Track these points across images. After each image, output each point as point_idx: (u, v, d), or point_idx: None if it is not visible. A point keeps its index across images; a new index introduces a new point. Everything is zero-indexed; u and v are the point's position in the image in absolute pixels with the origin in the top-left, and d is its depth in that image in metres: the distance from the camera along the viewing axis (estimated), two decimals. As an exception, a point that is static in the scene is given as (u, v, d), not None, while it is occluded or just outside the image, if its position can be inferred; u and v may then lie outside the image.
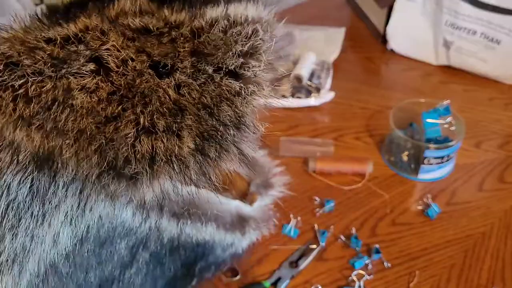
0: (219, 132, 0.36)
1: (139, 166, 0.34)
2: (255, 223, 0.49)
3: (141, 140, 0.34)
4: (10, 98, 0.34)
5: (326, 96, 0.90)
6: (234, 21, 0.38)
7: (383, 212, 0.70)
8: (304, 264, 0.62)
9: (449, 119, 0.73)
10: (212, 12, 0.38)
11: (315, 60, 0.95)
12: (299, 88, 0.89)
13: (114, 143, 0.34)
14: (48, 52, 0.35)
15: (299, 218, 0.68)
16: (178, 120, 0.35)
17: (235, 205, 0.44)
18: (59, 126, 0.34)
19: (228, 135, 0.37)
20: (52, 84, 0.34)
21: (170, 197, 0.37)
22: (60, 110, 0.34)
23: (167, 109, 0.35)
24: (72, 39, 0.36)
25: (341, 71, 0.98)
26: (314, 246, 0.64)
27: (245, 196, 0.51)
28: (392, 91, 0.95)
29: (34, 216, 0.35)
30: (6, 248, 0.35)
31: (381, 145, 0.80)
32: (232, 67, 0.37)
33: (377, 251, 0.63)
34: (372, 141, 0.82)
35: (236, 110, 0.37)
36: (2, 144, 0.34)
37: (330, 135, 0.83)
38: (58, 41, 0.36)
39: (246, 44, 0.38)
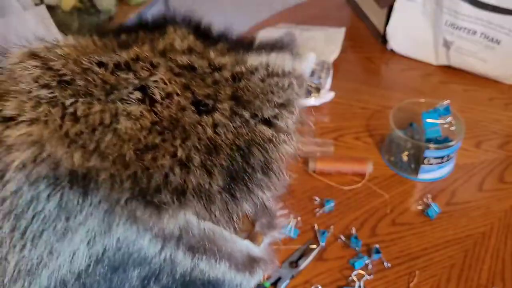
0: (247, 175, 0.38)
1: (168, 196, 0.36)
2: (263, 264, 0.49)
3: (175, 172, 0.36)
4: (59, 115, 0.35)
5: (326, 96, 0.90)
6: (272, 71, 0.40)
7: (383, 212, 0.70)
8: (304, 264, 0.62)
9: (449, 119, 0.73)
10: (253, 60, 0.40)
11: (315, 60, 0.95)
12: (299, 88, 0.89)
13: (149, 171, 0.35)
14: (100, 76, 0.37)
15: (299, 218, 0.68)
16: (212, 158, 0.37)
17: (245, 245, 0.44)
18: (101, 148, 0.35)
19: (256, 178, 0.38)
20: (101, 107, 0.36)
21: (190, 230, 0.38)
22: (104, 133, 0.35)
23: (204, 146, 0.37)
24: (123, 66, 0.38)
25: (341, 71, 0.98)
26: (314, 246, 0.64)
27: (249, 236, 0.52)
28: (392, 91, 0.95)
29: (57, 231, 0.35)
30: (23, 258, 0.35)
31: (381, 145, 0.80)
32: (267, 116, 0.39)
33: (377, 251, 0.63)
34: (372, 141, 0.82)
35: (266, 156, 0.39)
36: (42, 156, 0.34)
37: (330, 135, 0.83)
38: (110, 66, 0.38)
39: (281, 96, 0.40)
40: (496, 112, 0.88)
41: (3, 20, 1.62)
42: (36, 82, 0.37)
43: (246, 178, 0.38)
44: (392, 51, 1.04)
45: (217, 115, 0.37)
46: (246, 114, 0.38)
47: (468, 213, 0.70)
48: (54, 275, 0.36)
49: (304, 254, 0.63)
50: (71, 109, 0.36)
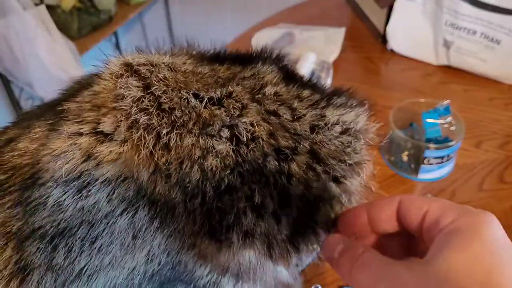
0: (310, 229, 0.38)
1: (234, 236, 0.36)
2: None
3: (247, 215, 0.36)
4: (152, 143, 0.35)
5: (326, 96, 0.90)
6: (346, 130, 0.40)
7: (383, 212, 0.70)
8: (304, 264, 0.62)
9: (449, 119, 0.73)
10: (331, 116, 0.40)
11: (315, 60, 0.95)
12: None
13: (224, 211, 0.35)
14: (196, 110, 0.37)
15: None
16: (283, 207, 0.37)
17: (278, 271, 0.44)
18: (185, 182, 0.35)
19: (316, 233, 0.39)
20: (193, 141, 0.36)
21: (242, 262, 0.38)
22: (191, 166, 0.35)
23: (277, 194, 0.36)
24: (215, 101, 0.38)
25: (341, 71, 0.98)
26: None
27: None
28: (392, 91, 0.95)
29: (123, 247, 0.35)
30: (87, 263, 0.35)
31: (381, 145, 0.80)
32: (337, 174, 0.39)
33: (377, 251, 0.63)
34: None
35: (329, 212, 0.39)
36: (127, 178, 0.35)
37: (330, 135, 0.83)
38: (205, 100, 0.37)
39: (353, 157, 0.40)
40: (496, 112, 0.88)
41: (3, 20, 1.61)
42: (136, 104, 0.37)
43: (309, 231, 0.38)
44: (392, 51, 1.04)
45: (293, 166, 0.37)
46: (319, 170, 0.38)
47: (468, 213, 0.70)
48: (108, 284, 0.37)
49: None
50: (165, 139, 0.36)
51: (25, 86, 1.75)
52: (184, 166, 0.35)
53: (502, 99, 0.91)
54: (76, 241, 0.35)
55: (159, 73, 0.39)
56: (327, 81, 0.92)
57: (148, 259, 0.36)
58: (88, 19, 1.93)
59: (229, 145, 0.36)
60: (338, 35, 1.06)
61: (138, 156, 0.35)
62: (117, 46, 2.48)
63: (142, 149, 0.35)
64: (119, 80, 0.39)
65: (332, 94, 0.44)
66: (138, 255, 0.36)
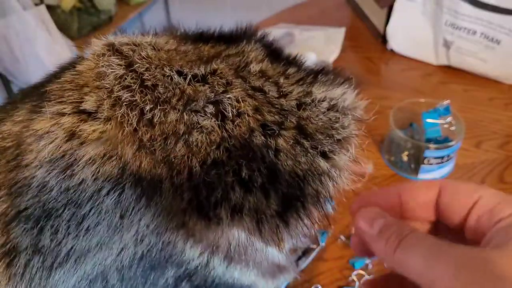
0: (300, 203, 0.38)
1: (223, 212, 0.36)
2: (286, 272, 0.50)
3: (236, 190, 0.36)
4: (136, 119, 0.36)
5: (326, 96, 0.90)
6: (333, 106, 0.40)
7: (383, 212, 0.70)
8: (304, 264, 0.62)
9: (449, 119, 0.73)
10: (318, 93, 0.41)
11: (315, 60, 0.95)
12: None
13: (211, 186, 0.35)
14: (180, 86, 0.37)
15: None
16: (271, 181, 0.37)
17: (272, 254, 0.44)
18: (170, 157, 0.35)
19: (306, 208, 0.39)
20: (177, 116, 0.36)
21: (233, 242, 0.38)
22: (176, 142, 0.35)
23: (265, 169, 0.37)
24: (200, 78, 0.38)
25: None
26: (314, 246, 0.64)
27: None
28: (392, 91, 0.95)
29: (110, 227, 0.35)
30: (75, 245, 0.35)
31: (381, 145, 0.80)
32: (325, 149, 0.39)
33: (377, 251, 0.63)
34: (372, 141, 0.82)
35: (319, 187, 0.39)
36: (111, 156, 0.35)
37: (330, 135, 0.83)
38: (188, 77, 0.38)
39: (341, 133, 0.40)
40: (496, 112, 0.88)
41: (3, 20, 1.61)
42: (119, 82, 0.37)
43: (299, 206, 0.38)
44: (392, 51, 1.04)
45: (280, 141, 0.38)
46: (307, 145, 0.38)
47: (468, 213, 0.70)
48: (98, 265, 0.36)
49: (304, 254, 0.63)
50: (148, 115, 0.36)
51: (25, 86, 1.75)
52: (168, 142, 0.35)
53: (502, 99, 0.91)
54: (62, 222, 0.35)
55: (142, 51, 0.39)
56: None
57: (136, 239, 0.36)
58: (88, 19, 1.93)
59: (215, 120, 0.36)
60: (338, 35, 1.06)
61: (122, 133, 0.35)
62: (117, 46, 2.48)
63: (125, 126, 0.35)
64: (101, 59, 0.39)
65: (319, 71, 0.44)
66: (126, 236, 0.36)
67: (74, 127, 0.36)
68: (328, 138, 0.39)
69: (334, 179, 0.40)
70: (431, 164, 0.72)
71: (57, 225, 0.35)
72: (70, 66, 0.40)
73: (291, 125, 0.38)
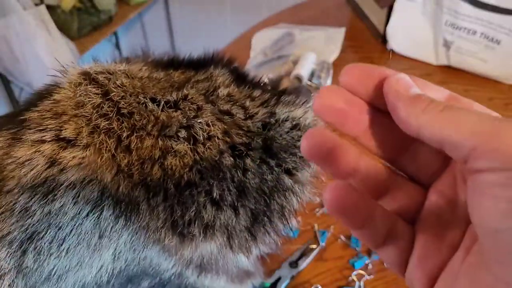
0: (266, 218, 0.41)
1: (196, 230, 0.38)
2: (253, 277, 0.53)
3: (207, 209, 0.38)
4: (114, 146, 0.38)
5: (326, 96, 0.90)
6: (296, 125, 0.43)
7: (383, 212, 0.70)
8: (304, 264, 0.62)
9: (449, 119, 0.73)
10: (281, 114, 0.43)
11: (315, 60, 0.95)
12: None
13: (185, 205, 0.38)
14: (154, 113, 0.39)
15: (299, 218, 0.68)
16: (240, 199, 0.39)
17: (240, 260, 0.46)
18: (147, 181, 0.37)
19: (272, 222, 0.42)
20: (152, 142, 0.38)
21: (204, 254, 0.41)
22: (152, 166, 0.38)
23: (235, 188, 0.39)
24: (172, 104, 0.41)
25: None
26: (314, 246, 0.64)
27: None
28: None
29: (90, 247, 0.37)
30: (56, 265, 0.37)
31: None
32: (289, 166, 0.42)
33: (377, 251, 0.63)
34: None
35: (284, 203, 0.42)
36: (91, 181, 0.37)
37: (330, 135, 0.83)
38: (161, 104, 0.40)
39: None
40: (496, 112, 0.88)
41: (3, 20, 1.61)
42: (96, 111, 0.39)
43: (265, 221, 0.41)
44: (392, 51, 1.04)
45: (248, 161, 0.40)
46: (272, 163, 0.41)
47: (468, 213, 0.69)
48: (78, 282, 0.38)
49: (304, 254, 0.64)
50: (125, 142, 0.38)
51: (25, 86, 1.75)
52: (145, 166, 0.37)
53: (502, 99, 0.91)
54: (44, 244, 0.36)
55: (117, 80, 0.41)
56: (327, 81, 0.92)
57: (115, 257, 0.38)
58: (88, 19, 1.93)
59: (187, 144, 0.39)
60: (338, 35, 1.06)
61: (100, 159, 0.37)
62: (117, 46, 2.48)
63: (104, 152, 0.37)
64: (78, 88, 0.41)
65: (281, 93, 0.47)
66: (106, 254, 0.37)
67: (54, 154, 0.37)
68: (291, 156, 0.42)
69: (298, 194, 0.42)
70: (431, 164, 0.72)
71: (40, 247, 0.36)
72: (47, 94, 0.42)
73: (258, 146, 0.41)
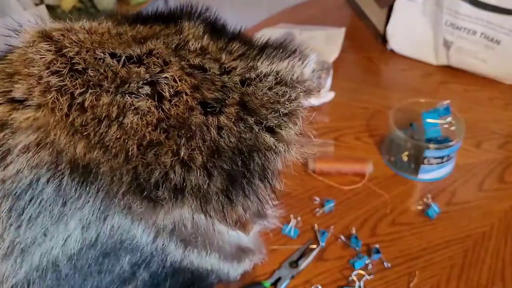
0: (245, 180, 0.38)
1: (165, 193, 0.36)
2: (252, 254, 0.50)
3: (176, 170, 0.36)
4: (66, 104, 0.35)
5: (326, 96, 0.90)
6: (281, 80, 0.40)
7: (383, 212, 0.70)
8: (304, 264, 0.62)
9: (449, 119, 0.73)
10: (264, 66, 0.40)
11: (315, 60, 0.94)
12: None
13: (150, 167, 0.35)
14: (112, 68, 0.37)
15: (299, 218, 0.68)
16: (214, 160, 0.37)
17: (235, 235, 0.44)
18: (105, 141, 0.35)
19: (253, 184, 0.38)
20: (109, 99, 0.36)
21: (184, 224, 0.39)
22: (110, 125, 0.35)
23: (207, 147, 0.36)
24: (135, 59, 0.38)
25: (341, 71, 0.98)
26: (314, 246, 0.64)
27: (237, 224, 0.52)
28: (392, 91, 0.95)
29: (53, 215, 0.35)
30: (18, 236, 0.35)
31: (381, 145, 0.80)
32: (271, 124, 0.38)
33: (377, 251, 0.63)
34: (372, 141, 0.82)
35: (266, 163, 0.39)
36: (45, 142, 0.35)
37: (330, 135, 0.83)
38: (122, 59, 0.37)
39: (287, 106, 0.39)
40: (496, 112, 0.88)
41: (3, 20, 1.62)
42: (48, 68, 0.37)
43: (244, 183, 0.38)
44: (392, 51, 1.04)
45: (222, 118, 0.37)
46: (251, 121, 0.38)
47: (468, 213, 0.70)
48: (46, 255, 0.37)
49: (304, 254, 0.63)
50: (79, 99, 0.35)
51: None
52: (102, 125, 0.35)
53: (502, 99, 0.91)
54: (2, 213, 0.35)
55: (73, 36, 0.39)
56: (327, 81, 0.91)
57: (82, 226, 0.36)
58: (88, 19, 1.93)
59: (151, 101, 0.36)
60: (338, 35, 1.06)
61: (54, 119, 0.35)
62: (117, 46, 2.48)
63: (57, 112, 0.35)
64: (30, 46, 0.38)
65: (264, 45, 0.43)
66: (71, 223, 0.36)
67: (5, 116, 0.35)
68: (273, 112, 0.39)
69: (281, 153, 0.39)
70: (431, 164, 0.72)
71: None
72: (3, 56, 0.40)
73: (234, 102, 0.38)
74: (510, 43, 0.89)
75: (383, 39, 1.05)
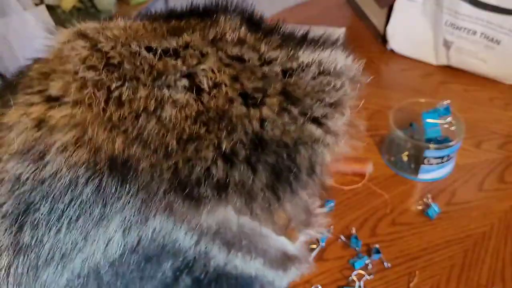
0: (292, 175, 0.36)
1: (208, 190, 0.34)
2: (298, 262, 0.47)
3: (218, 165, 0.34)
4: (104, 98, 0.34)
5: (326, 96, 0.90)
6: (325, 70, 0.38)
7: (383, 212, 0.70)
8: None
9: (449, 119, 0.73)
10: (305, 56, 0.38)
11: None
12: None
13: (191, 162, 0.34)
14: (148, 61, 0.36)
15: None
16: (257, 154, 0.35)
17: (281, 241, 0.42)
18: (143, 135, 0.34)
19: (300, 180, 0.36)
20: (147, 92, 0.35)
21: (228, 225, 0.37)
22: (148, 119, 0.34)
23: (249, 140, 0.35)
24: (171, 52, 0.37)
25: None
26: (314, 246, 0.64)
27: (284, 231, 0.48)
28: (392, 91, 0.95)
29: (93, 217, 0.34)
30: (58, 241, 0.34)
31: (381, 145, 0.80)
32: (317, 115, 0.36)
33: (377, 251, 0.63)
34: (372, 141, 0.82)
35: (312, 156, 0.37)
36: (83, 140, 0.34)
37: (330, 135, 0.83)
38: (158, 52, 0.36)
39: (333, 96, 0.38)
40: (496, 112, 0.88)
41: (3, 20, 1.61)
42: (83, 63, 0.36)
43: (291, 178, 0.36)
44: (392, 51, 1.04)
45: (265, 110, 0.35)
46: (295, 111, 0.36)
47: (468, 213, 0.70)
48: (87, 261, 0.35)
49: (304, 254, 0.63)
50: (116, 93, 0.34)
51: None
52: (141, 120, 0.34)
53: (502, 99, 0.91)
54: (41, 217, 0.33)
55: (108, 32, 0.38)
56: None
57: (124, 230, 0.35)
58: (88, 19, 1.93)
59: (189, 94, 0.35)
60: (338, 35, 1.06)
61: (91, 115, 0.34)
62: (117, 46, 2.48)
63: (94, 107, 0.34)
64: (66, 45, 0.38)
65: (304, 36, 0.42)
66: (112, 225, 0.34)
67: (42, 114, 0.35)
68: (319, 102, 0.37)
69: (330, 146, 0.37)
70: (431, 164, 0.72)
71: (36, 221, 0.33)
72: (39, 58, 0.40)
73: (276, 92, 0.36)
74: (510, 43, 0.89)
75: (383, 39, 1.05)
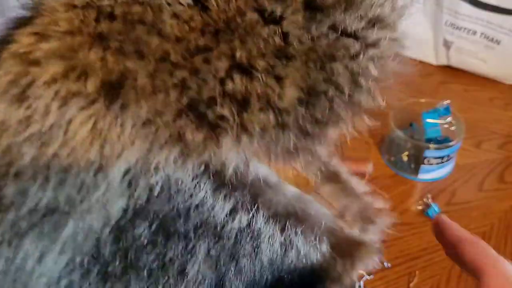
0: (331, 89, 0.29)
1: (226, 109, 0.28)
2: (367, 252, 0.35)
3: (234, 77, 0.28)
4: (93, 17, 0.29)
5: (326, 96, 0.89)
6: None
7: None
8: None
9: (449, 119, 0.73)
10: None
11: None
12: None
13: (199, 75, 0.28)
14: None
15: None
16: (282, 64, 0.28)
17: (341, 223, 0.34)
18: (141, 48, 0.28)
19: (342, 101, 0.30)
20: (143, 7, 0.29)
21: (265, 183, 0.29)
22: (146, 31, 0.28)
23: (270, 52, 0.28)
24: None
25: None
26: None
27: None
28: (392, 91, 0.95)
29: (91, 163, 0.27)
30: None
31: (381, 145, 0.80)
32: (352, 28, 0.29)
33: (377, 251, 0.63)
34: (372, 141, 0.82)
35: (354, 75, 0.30)
36: (73, 66, 0.28)
37: (330, 135, 0.83)
38: None
39: (373, 11, 0.30)
40: (496, 112, 0.88)
41: (3, 20, 1.62)
42: None
43: (329, 92, 0.29)
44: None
45: (286, 24, 0.29)
46: (324, 24, 0.29)
47: (468, 213, 0.70)
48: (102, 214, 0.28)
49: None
50: (107, 9, 0.29)
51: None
52: (137, 31, 0.28)
53: (502, 99, 0.91)
54: (26, 163, 0.28)
55: None
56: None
57: (130, 181, 0.28)
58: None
59: (193, 8, 0.29)
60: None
61: (81, 36, 0.29)
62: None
63: (83, 27, 0.29)
64: None
65: None
66: (112, 175, 0.28)
67: (28, 49, 0.30)
68: (353, 14, 0.30)
69: (373, 62, 0.31)
70: (431, 164, 0.72)
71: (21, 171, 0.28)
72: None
73: (298, 6, 0.29)
74: (510, 43, 0.89)
75: (383, 39, 1.05)
